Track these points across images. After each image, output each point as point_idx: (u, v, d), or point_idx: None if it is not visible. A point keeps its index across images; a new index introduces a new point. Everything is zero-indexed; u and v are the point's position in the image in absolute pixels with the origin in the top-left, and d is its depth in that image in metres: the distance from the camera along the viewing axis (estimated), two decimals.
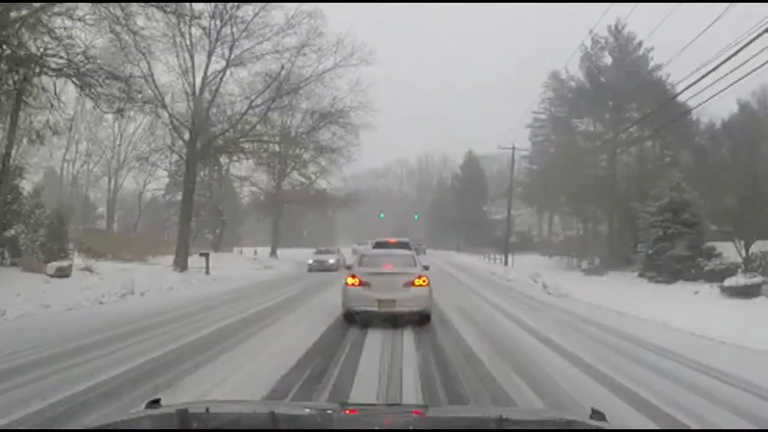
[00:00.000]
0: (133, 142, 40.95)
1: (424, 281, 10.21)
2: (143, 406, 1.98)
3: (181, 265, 22.16)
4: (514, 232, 45.42)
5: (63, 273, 17.40)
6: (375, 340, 8.76)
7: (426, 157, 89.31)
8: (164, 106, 22.54)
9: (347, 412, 2.17)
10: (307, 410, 2.37)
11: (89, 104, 33.32)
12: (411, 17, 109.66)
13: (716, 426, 4.86)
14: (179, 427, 1.82)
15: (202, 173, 38.44)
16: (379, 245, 19.78)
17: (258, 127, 24.47)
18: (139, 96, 19.39)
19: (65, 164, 46.65)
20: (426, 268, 11.19)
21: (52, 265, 17.56)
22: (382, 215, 60.02)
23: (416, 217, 72.47)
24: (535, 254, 44.96)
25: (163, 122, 23.90)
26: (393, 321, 10.12)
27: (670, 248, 20.06)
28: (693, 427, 4.77)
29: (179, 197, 44.08)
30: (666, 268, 19.91)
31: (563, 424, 2.08)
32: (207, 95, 22.73)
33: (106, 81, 16.11)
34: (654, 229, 20.50)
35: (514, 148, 35.83)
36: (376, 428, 1.95)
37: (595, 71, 37.75)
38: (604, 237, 35.02)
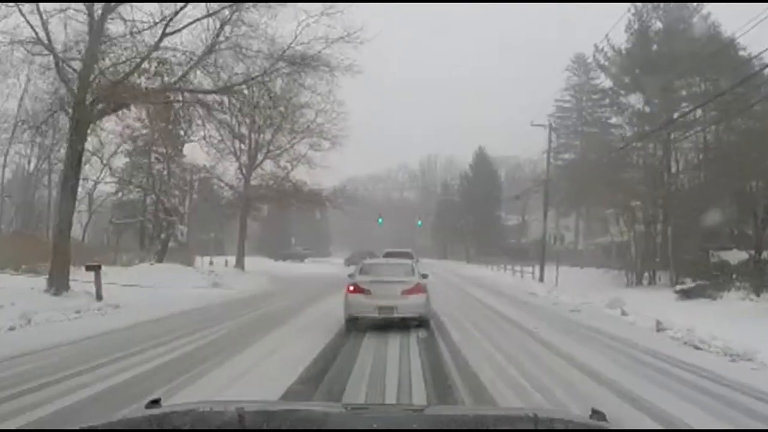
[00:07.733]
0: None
1: (421, 289, 10.52)
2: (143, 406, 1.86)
3: (56, 283, 13.99)
4: (535, 240, 38.22)
5: None
6: None
7: (429, 160, 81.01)
8: (44, 43, 14.56)
9: (347, 411, 2.20)
10: (308, 410, 2.31)
11: None
12: (411, 16, 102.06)
13: None
14: (179, 427, 1.79)
15: (161, 166, 30.68)
16: (388, 255, 23.74)
17: (194, 78, 16.34)
18: None
19: (26, 160, 38.66)
20: (424, 276, 11.44)
21: None
22: (381, 220, 51.73)
23: (420, 223, 64.39)
24: (563, 265, 37.26)
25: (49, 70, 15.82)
26: None
27: None
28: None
29: (132, 196, 36.39)
30: None
31: (563, 423, 2.03)
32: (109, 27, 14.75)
33: None
34: None
35: (550, 126, 27.62)
36: (378, 428, 1.86)
37: (646, 37, 30.13)
38: (664, 243, 26.91)
